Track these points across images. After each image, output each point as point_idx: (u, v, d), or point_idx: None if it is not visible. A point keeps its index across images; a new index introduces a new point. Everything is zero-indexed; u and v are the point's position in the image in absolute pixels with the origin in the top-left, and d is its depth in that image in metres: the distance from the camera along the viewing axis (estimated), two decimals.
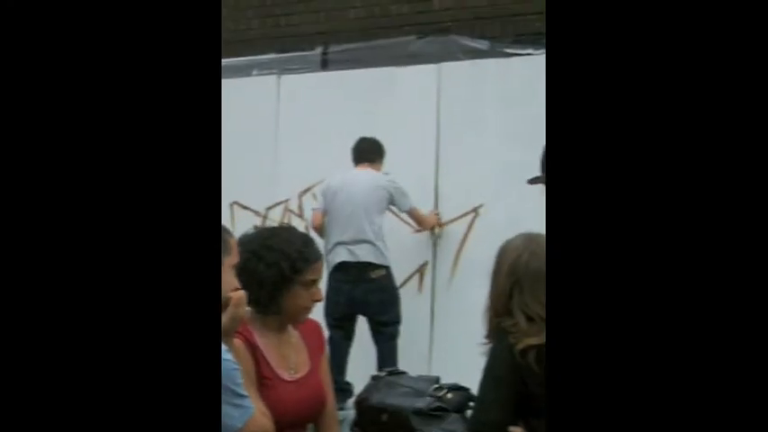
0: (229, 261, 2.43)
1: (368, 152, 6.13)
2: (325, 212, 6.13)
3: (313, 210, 6.36)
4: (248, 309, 2.65)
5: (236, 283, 2.44)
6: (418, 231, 6.40)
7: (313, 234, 6.11)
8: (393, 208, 6.15)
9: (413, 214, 6.20)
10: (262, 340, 2.78)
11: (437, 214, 6.34)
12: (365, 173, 6.08)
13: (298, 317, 2.86)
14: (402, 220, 6.35)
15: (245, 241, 2.80)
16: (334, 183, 6.13)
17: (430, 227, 6.34)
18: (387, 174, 6.09)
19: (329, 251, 5.93)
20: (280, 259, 2.77)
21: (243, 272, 2.71)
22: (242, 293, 2.44)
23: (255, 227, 3.15)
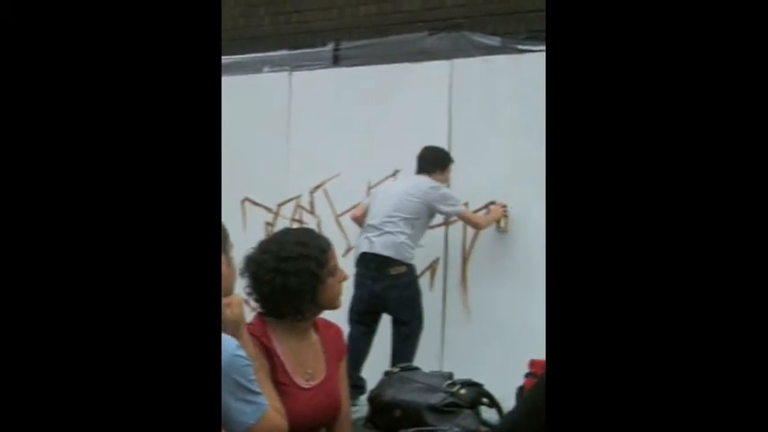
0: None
1: (427, 162, 6.10)
2: (367, 208, 6.17)
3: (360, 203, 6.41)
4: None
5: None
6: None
7: (350, 224, 6.35)
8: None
9: (464, 219, 6.15)
10: (280, 346, 2.77)
11: (504, 207, 6.17)
12: (413, 177, 6.10)
13: (334, 304, 2.89)
14: None
15: (255, 265, 2.79)
16: (383, 183, 6.29)
17: (491, 223, 6.17)
18: (436, 185, 6.02)
19: (357, 242, 6.08)
20: (304, 263, 2.77)
21: (275, 293, 2.72)
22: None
23: (271, 229, 3.14)
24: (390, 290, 5.89)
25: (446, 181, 6.13)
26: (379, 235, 5.91)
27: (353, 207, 6.45)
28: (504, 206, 6.18)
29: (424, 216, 6.02)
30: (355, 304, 5.82)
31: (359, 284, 5.86)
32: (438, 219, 6.28)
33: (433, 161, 6.10)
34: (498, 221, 6.18)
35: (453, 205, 6.03)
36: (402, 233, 5.90)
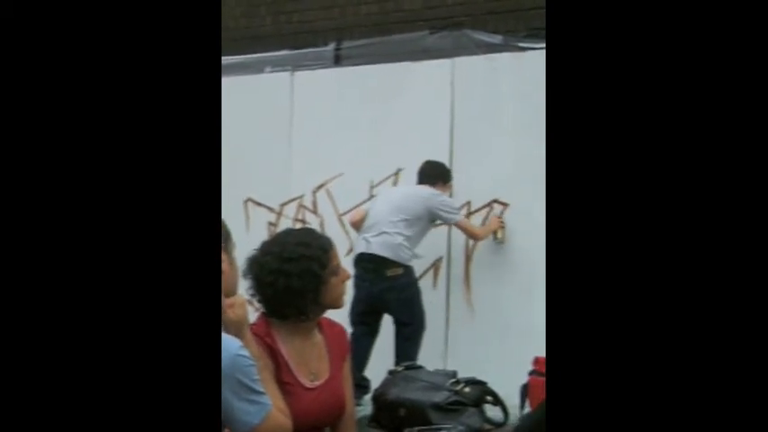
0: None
1: (428, 176, 6.12)
2: (366, 213, 6.18)
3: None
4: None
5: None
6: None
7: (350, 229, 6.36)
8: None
9: (461, 228, 6.15)
10: (284, 346, 2.78)
11: (500, 218, 6.22)
12: (414, 186, 6.13)
13: (338, 304, 2.90)
14: None
15: (258, 266, 2.79)
16: (384, 188, 6.33)
17: (488, 234, 6.21)
18: (437, 192, 6.02)
19: (356, 243, 6.09)
20: (307, 264, 2.77)
21: (277, 294, 2.72)
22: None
23: (274, 229, 3.14)
24: (388, 292, 5.89)
25: (447, 194, 6.15)
26: (376, 235, 5.91)
27: (356, 207, 6.46)
28: (501, 218, 6.21)
29: (424, 220, 6.01)
30: (355, 305, 5.82)
31: (357, 286, 5.85)
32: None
33: (434, 174, 6.12)
34: (495, 233, 6.21)
35: (452, 214, 6.04)
36: (400, 234, 5.89)
